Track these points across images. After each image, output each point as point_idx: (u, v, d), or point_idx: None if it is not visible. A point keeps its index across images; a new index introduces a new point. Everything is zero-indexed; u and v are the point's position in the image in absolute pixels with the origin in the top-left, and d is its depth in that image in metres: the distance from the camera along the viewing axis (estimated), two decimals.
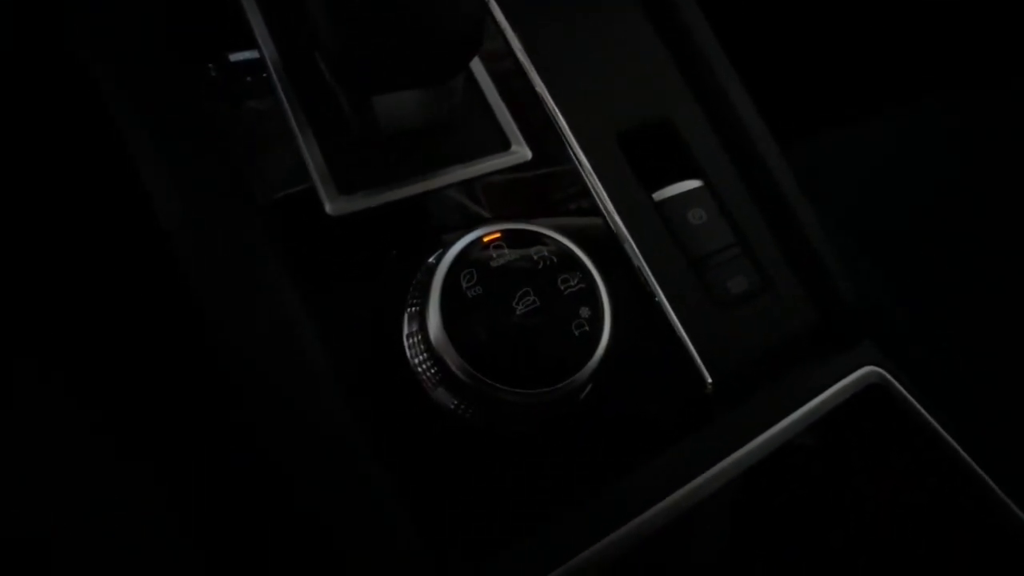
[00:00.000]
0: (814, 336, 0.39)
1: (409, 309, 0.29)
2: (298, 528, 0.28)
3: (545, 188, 0.35)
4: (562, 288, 0.29)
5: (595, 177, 0.36)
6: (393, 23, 0.25)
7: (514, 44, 0.37)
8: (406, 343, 0.29)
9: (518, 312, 0.28)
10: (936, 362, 0.56)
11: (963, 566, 0.33)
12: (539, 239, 0.30)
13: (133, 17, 0.30)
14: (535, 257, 0.29)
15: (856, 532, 0.32)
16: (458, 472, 0.29)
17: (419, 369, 0.28)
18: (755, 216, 0.40)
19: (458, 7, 0.26)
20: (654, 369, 0.34)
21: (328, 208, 0.30)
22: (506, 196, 0.34)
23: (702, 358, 0.34)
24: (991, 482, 0.34)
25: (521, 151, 0.34)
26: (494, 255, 0.28)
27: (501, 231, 0.29)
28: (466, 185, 0.33)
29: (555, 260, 0.29)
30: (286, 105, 0.31)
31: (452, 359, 0.26)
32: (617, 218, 0.35)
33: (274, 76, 0.31)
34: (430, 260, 0.29)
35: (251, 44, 0.32)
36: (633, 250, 0.35)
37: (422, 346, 0.28)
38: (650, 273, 0.35)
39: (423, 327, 0.27)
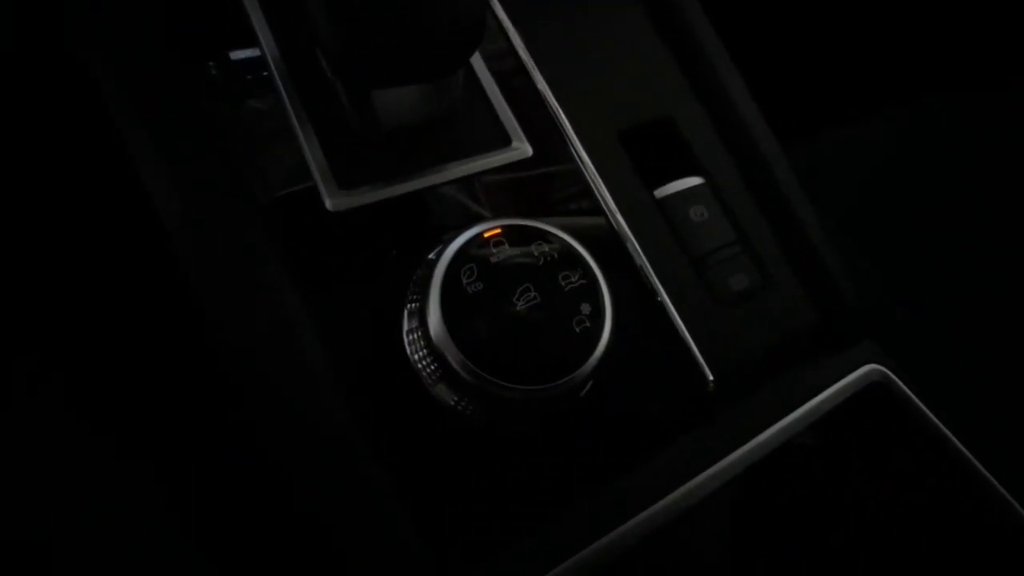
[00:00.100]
0: (815, 335, 0.39)
1: (409, 305, 0.29)
2: (298, 528, 0.28)
3: (546, 185, 0.35)
4: (563, 284, 0.29)
5: (596, 174, 0.36)
6: (393, 16, 0.25)
7: (516, 41, 0.37)
8: (406, 339, 0.28)
9: (518, 308, 0.28)
10: (936, 362, 0.56)
11: (965, 565, 0.33)
12: (540, 235, 0.29)
13: (133, 17, 0.30)
14: (536, 253, 0.29)
15: (857, 531, 0.32)
16: (458, 472, 0.29)
17: (419, 365, 0.28)
18: (756, 214, 0.40)
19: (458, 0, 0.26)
20: (655, 367, 0.34)
21: (328, 204, 0.30)
22: (507, 194, 0.34)
23: (703, 356, 0.34)
24: (994, 481, 0.34)
25: (522, 147, 0.34)
26: (494, 251, 0.28)
27: (501, 227, 0.29)
28: (466, 184, 0.33)
29: (556, 256, 0.29)
30: (286, 102, 0.31)
31: (452, 355, 0.26)
32: (618, 215, 0.35)
33: (275, 73, 0.31)
34: (430, 256, 0.29)
35: (252, 42, 0.32)
36: (634, 247, 0.35)
37: (422, 342, 0.27)
38: (651, 270, 0.35)
39: (423, 323, 0.27)
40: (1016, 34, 0.82)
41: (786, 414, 0.33)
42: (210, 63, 0.32)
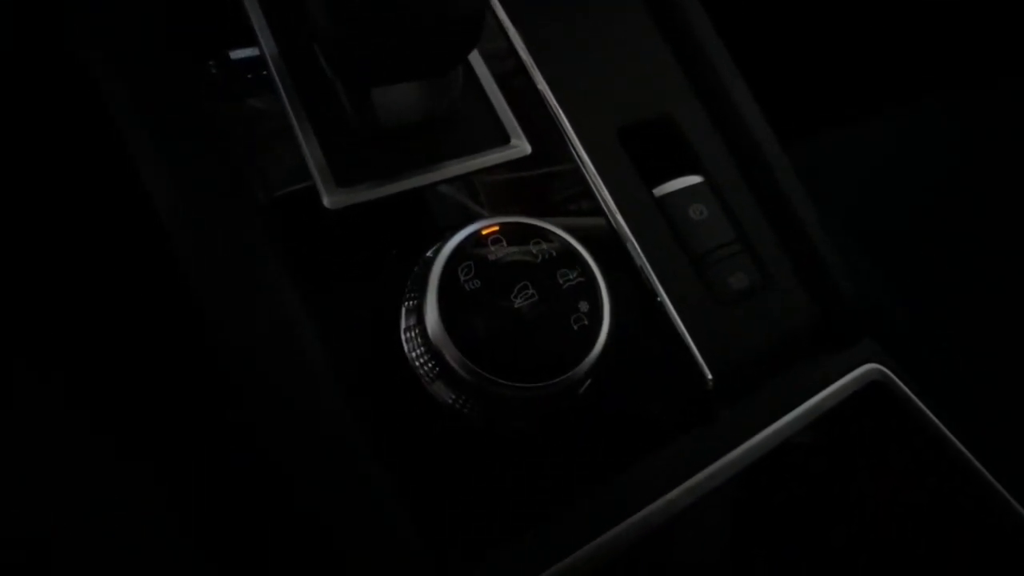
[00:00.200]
0: (814, 334, 0.39)
1: (407, 303, 0.29)
2: (298, 528, 0.28)
3: (545, 184, 0.35)
4: (561, 282, 0.29)
5: (595, 173, 0.36)
6: (392, 14, 0.25)
7: (515, 40, 0.37)
8: (403, 337, 0.28)
9: (516, 306, 0.28)
10: (936, 362, 0.56)
11: (964, 565, 0.33)
12: (538, 233, 0.29)
13: (133, 17, 0.30)
14: (534, 251, 0.29)
15: (856, 530, 0.32)
16: (458, 471, 0.29)
17: (417, 363, 0.28)
18: (756, 213, 0.40)
19: None
20: (654, 366, 0.34)
21: (326, 201, 0.30)
22: (506, 193, 0.34)
23: (702, 355, 0.34)
24: (994, 480, 0.34)
25: (521, 145, 0.34)
26: (492, 248, 0.28)
27: (499, 224, 0.29)
28: (466, 183, 0.33)
29: (554, 254, 0.29)
30: (285, 100, 0.31)
31: (450, 352, 0.26)
32: (617, 213, 0.35)
33: (274, 72, 0.31)
34: (428, 254, 0.29)
35: (252, 41, 0.32)
36: (633, 246, 0.35)
37: (420, 340, 0.27)
38: (650, 269, 0.35)
39: (421, 321, 0.27)
40: (1016, 34, 0.82)
41: (785, 413, 0.33)
42: (210, 63, 0.32)
